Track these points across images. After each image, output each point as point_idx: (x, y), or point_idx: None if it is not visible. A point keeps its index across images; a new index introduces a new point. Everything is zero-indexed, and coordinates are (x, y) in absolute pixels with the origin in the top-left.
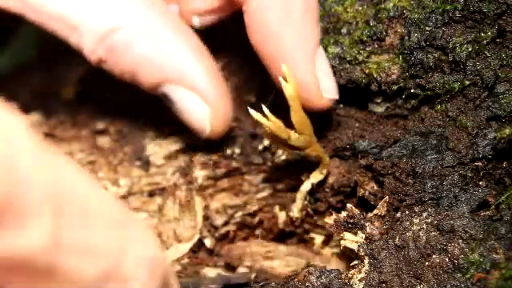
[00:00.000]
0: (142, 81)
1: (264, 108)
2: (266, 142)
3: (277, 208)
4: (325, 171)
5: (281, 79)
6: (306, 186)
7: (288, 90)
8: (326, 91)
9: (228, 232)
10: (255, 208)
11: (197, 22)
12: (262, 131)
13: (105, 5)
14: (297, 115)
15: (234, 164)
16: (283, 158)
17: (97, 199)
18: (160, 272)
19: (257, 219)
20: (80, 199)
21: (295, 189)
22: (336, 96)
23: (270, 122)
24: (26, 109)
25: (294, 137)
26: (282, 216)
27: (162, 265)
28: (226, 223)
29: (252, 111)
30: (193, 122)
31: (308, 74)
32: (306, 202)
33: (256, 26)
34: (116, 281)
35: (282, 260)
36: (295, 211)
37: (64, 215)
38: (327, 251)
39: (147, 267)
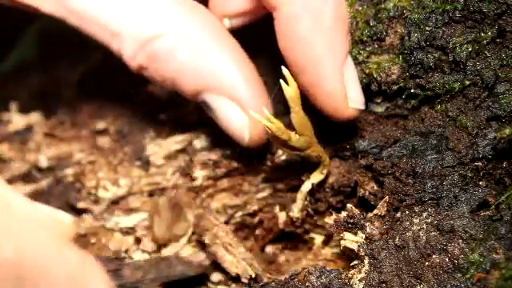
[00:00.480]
0: (182, 88)
1: (264, 109)
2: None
3: (277, 208)
4: (325, 171)
5: (281, 81)
6: (306, 186)
7: (288, 91)
8: (353, 101)
9: None
10: (255, 208)
11: (227, 23)
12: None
13: (147, 11)
14: (297, 116)
15: (234, 164)
16: (283, 158)
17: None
18: None
19: (257, 219)
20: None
21: (295, 189)
22: (362, 106)
23: (270, 123)
24: (25, 109)
25: (294, 138)
26: (282, 216)
27: None
28: (225, 223)
29: (252, 113)
30: (231, 130)
31: (336, 83)
32: (306, 202)
33: (286, 33)
34: None
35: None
36: (295, 211)
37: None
38: (327, 251)
39: None
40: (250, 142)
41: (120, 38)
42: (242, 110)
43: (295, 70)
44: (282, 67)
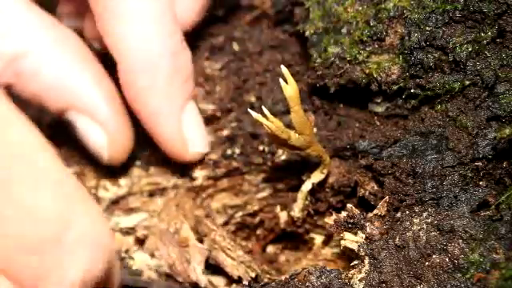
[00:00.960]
0: (48, 107)
1: (264, 108)
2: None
3: (278, 208)
4: (325, 171)
5: (281, 80)
6: (306, 186)
7: (288, 90)
8: (193, 145)
9: None
10: (255, 208)
11: (96, 46)
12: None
13: (12, 30)
14: (297, 115)
15: (234, 164)
16: (283, 157)
17: (45, 163)
18: (103, 255)
19: (257, 219)
20: (28, 160)
21: (296, 188)
22: (204, 150)
23: (269, 121)
24: (26, 109)
25: (294, 137)
26: (283, 216)
27: (106, 248)
28: (225, 223)
29: (252, 112)
30: (92, 147)
31: (173, 130)
32: (307, 202)
33: (127, 86)
34: (52, 253)
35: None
36: (296, 211)
37: (12, 175)
38: (327, 251)
39: (89, 246)
40: (109, 161)
41: None
42: (102, 129)
43: (140, 118)
44: (282, 66)
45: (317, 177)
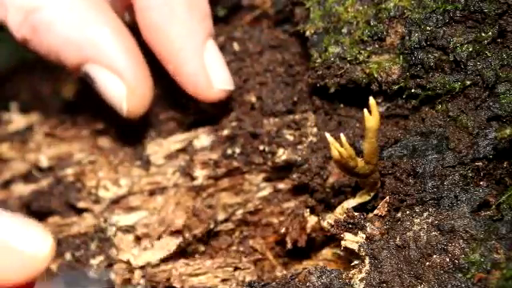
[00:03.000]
0: (65, 61)
1: (342, 136)
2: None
3: (308, 211)
4: (372, 194)
5: (365, 110)
6: (350, 203)
7: (370, 121)
8: (217, 82)
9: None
10: (257, 206)
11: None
12: (331, 154)
13: None
14: (371, 146)
15: (235, 163)
16: (283, 157)
17: None
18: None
19: (256, 218)
20: None
21: (297, 189)
22: (228, 86)
23: (343, 149)
24: (26, 109)
25: (360, 165)
26: (311, 220)
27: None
28: (226, 220)
29: (328, 136)
30: (111, 101)
31: (195, 67)
32: (341, 216)
33: (145, 24)
34: None
35: (210, 273)
36: (329, 222)
37: None
38: (327, 251)
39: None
40: (128, 113)
41: (4, 7)
42: (122, 80)
43: (159, 57)
44: (370, 98)
45: (363, 198)
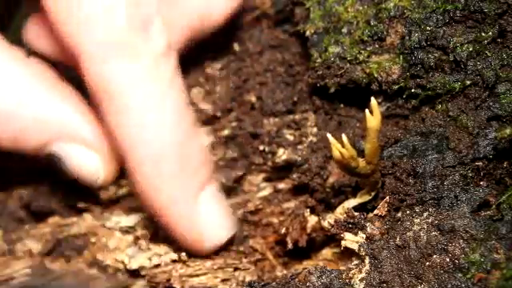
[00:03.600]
0: (25, 146)
1: (343, 136)
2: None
3: (308, 211)
4: (373, 193)
5: (367, 111)
6: (350, 203)
7: (371, 122)
8: (210, 237)
9: None
10: (257, 206)
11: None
12: (332, 154)
13: None
14: (372, 146)
15: (235, 164)
16: (283, 157)
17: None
18: None
19: (257, 218)
20: None
21: (297, 189)
22: (222, 240)
23: (344, 149)
24: None
25: (362, 165)
26: (311, 220)
27: None
28: None
29: (330, 136)
30: (84, 173)
31: (186, 222)
32: (342, 217)
33: (136, 178)
34: None
35: (210, 274)
36: (329, 222)
37: None
38: (327, 251)
39: None
40: (105, 182)
41: None
42: (95, 151)
43: (152, 212)
44: (372, 98)
45: (363, 198)
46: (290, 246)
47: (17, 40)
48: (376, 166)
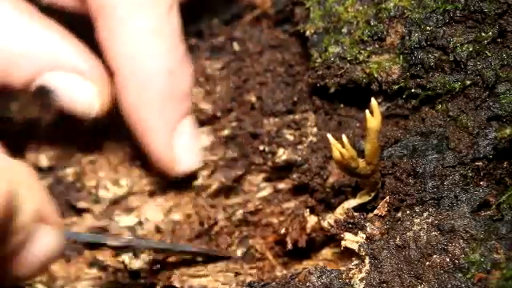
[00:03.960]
0: (14, 79)
1: (344, 137)
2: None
3: (307, 211)
4: (373, 194)
5: (367, 111)
6: (350, 204)
7: (372, 122)
8: (181, 164)
9: None
10: (256, 206)
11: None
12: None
13: None
14: (372, 146)
15: (235, 163)
16: (283, 158)
17: None
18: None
19: (256, 218)
20: None
21: (297, 189)
22: (191, 168)
23: (344, 150)
24: (26, 108)
25: (362, 166)
26: (311, 220)
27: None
28: (226, 220)
29: (330, 137)
30: (78, 104)
31: (162, 149)
32: (341, 217)
33: (120, 98)
34: None
35: (211, 276)
36: (329, 222)
37: None
38: (327, 251)
39: None
40: (101, 111)
41: None
42: (90, 80)
43: (132, 131)
44: (372, 99)
45: (363, 198)
46: (289, 246)
47: None
48: (376, 167)
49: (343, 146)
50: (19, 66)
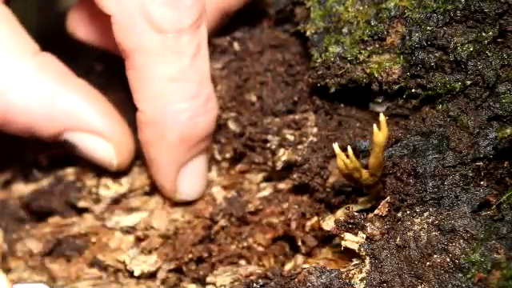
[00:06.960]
0: (41, 135)
1: (349, 148)
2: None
3: (307, 211)
4: (374, 202)
5: (374, 126)
6: (351, 209)
7: (378, 137)
8: (182, 195)
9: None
10: (257, 206)
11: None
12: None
13: None
14: (377, 160)
15: (235, 163)
16: (284, 157)
17: None
18: None
19: (257, 218)
20: None
21: (297, 189)
22: (192, 199)
23: (349, 160)
24: None
25: (365, 176)
26: (311, 220)
27: None
28: (226, 220)
29: (336, 147)
30: (98, 159)
31: (167, 180)
32: (341, 219)
33: (139, 131)
34: None
35: (211, 276)
36: (329, 223)
37: None
38: (327, 251)
39: None
40: (118, 168)
41: None
42: (106, 140)
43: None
44: (381, 114)
45: (364, 205)
46: (288, 245)
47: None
48: (379, 179)
49: (348, 157)
50: (42, 127)
